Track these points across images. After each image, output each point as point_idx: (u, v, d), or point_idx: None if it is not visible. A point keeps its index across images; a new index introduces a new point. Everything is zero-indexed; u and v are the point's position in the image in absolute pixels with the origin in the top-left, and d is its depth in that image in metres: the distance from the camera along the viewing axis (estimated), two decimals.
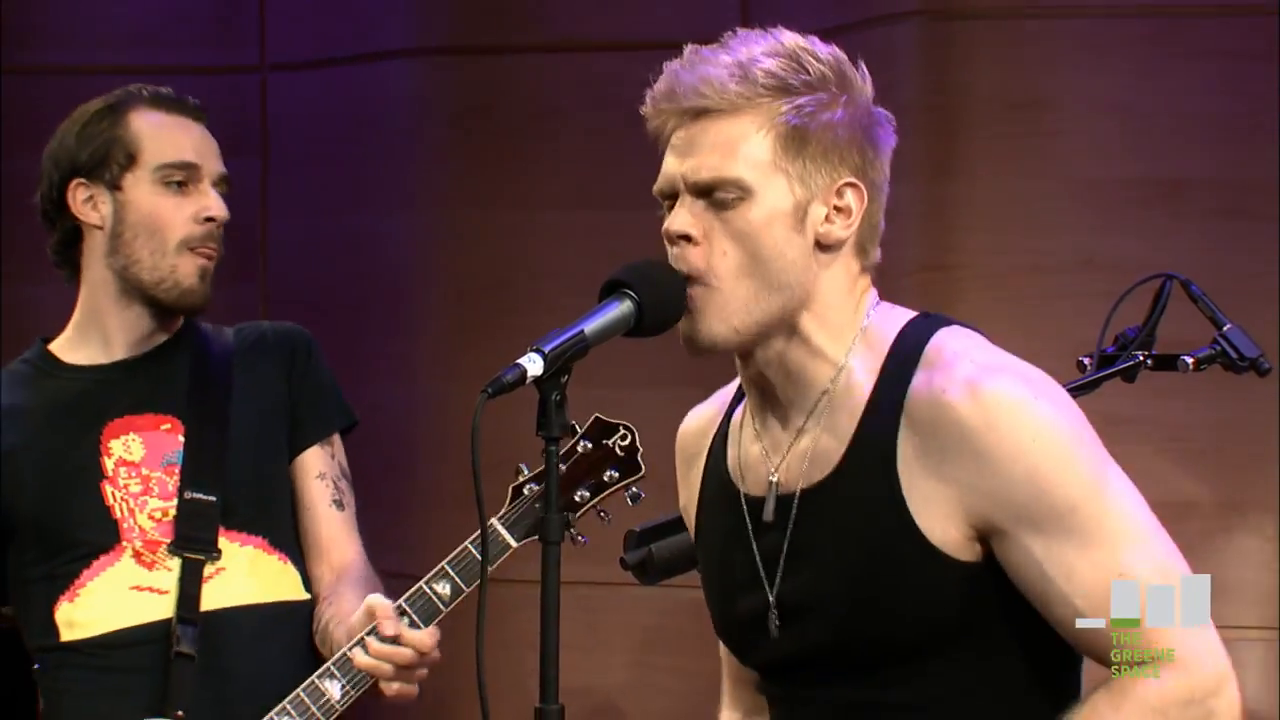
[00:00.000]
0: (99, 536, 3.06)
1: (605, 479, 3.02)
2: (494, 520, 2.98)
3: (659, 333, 2.21)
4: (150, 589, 3.05)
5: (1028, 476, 2.12)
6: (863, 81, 2.21)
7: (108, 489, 3.06)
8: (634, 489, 3.02)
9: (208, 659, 3.03)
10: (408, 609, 2.94)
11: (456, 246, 5.08)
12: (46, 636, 3.08)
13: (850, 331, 2.23)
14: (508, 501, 3.00)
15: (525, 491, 3.01)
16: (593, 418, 3.04)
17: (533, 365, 2.10)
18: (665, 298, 2.19)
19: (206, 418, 3.10)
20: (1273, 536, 4.51)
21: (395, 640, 2.89)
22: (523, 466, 3.02)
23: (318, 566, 3.17)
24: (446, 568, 2.98)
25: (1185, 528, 4.44)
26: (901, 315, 2.27)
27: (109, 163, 3.07)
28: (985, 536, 2.14)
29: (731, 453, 2.31)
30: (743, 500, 2.27)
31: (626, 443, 3.03)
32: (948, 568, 2.14)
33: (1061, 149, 4.51)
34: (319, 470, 3.19)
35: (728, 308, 2.18)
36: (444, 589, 2.97)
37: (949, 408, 2.12)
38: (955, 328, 2.24)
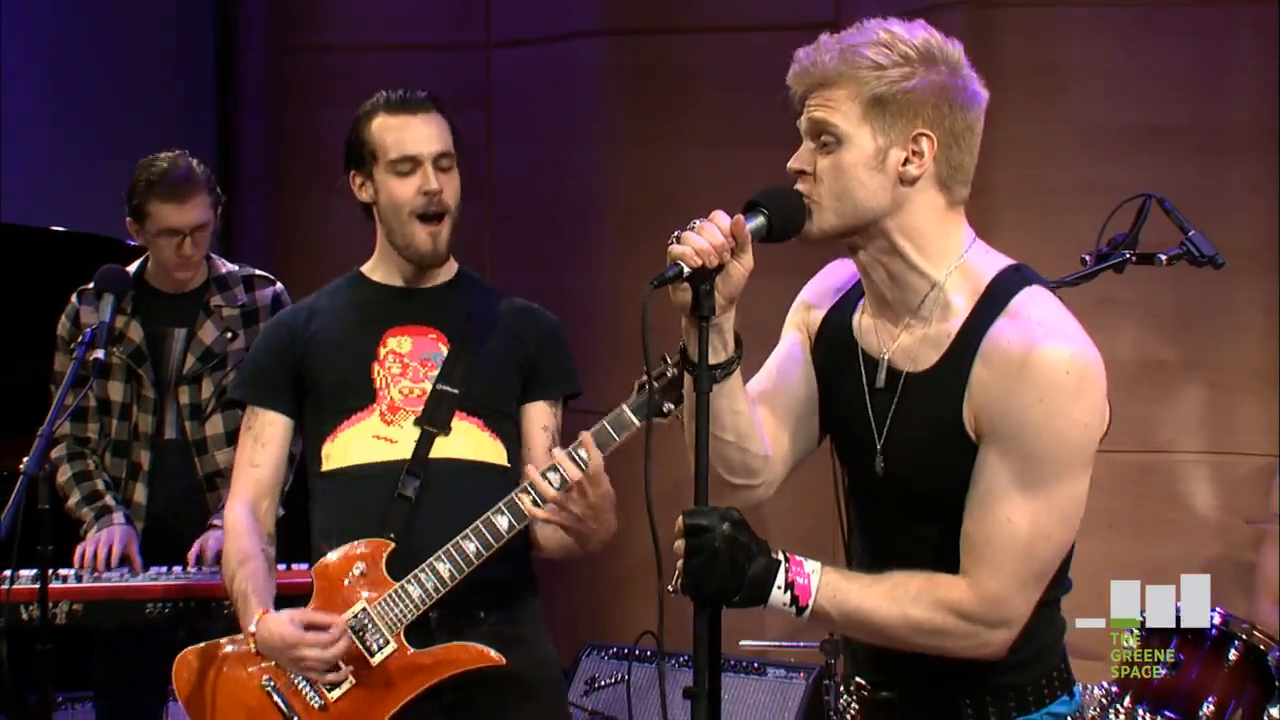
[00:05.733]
0: (360, 400, 3.12)
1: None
2: (623, 405, 2.95)
3: (785, 239, 2.22)
4: (386, 439, 3.10)
5: (1022, 413, 2.14)
6: (945, 56, 2.18)
7: (375, 368, 3.12)
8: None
9: (421, 497, 3.06)
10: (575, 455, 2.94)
11: (627, 175, 5.23)
12: (314, 465, 3.15)
13: (948, 259, 2.22)
14: (635, 393, 2.97)
15: (644, 388, 2.98)
16: (681, 347, 3.00)
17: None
18: (789, 214, 2.21)
19: (467, 339, 3.13)
20: (1224, 387, 4.51)
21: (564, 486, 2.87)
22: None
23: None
24: (604, 423, 2.96)
25: (1158, 378, 4.52)
26: (998, 260, 2.25)
27: (365, 160, 3.09)
28: (979, 434, 2.19)
29: (856, 317, 2.34)
30: (860, 354, 2.31)
31: None
32: (971, 449, 2.18)
33: (1070, 102, 4.58)
34: (544, 423, 3.15)
35: (826, 212, 2.20)
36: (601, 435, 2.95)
37: (1008, 353, 2.16)
38: (1037, 288, 2.22)
